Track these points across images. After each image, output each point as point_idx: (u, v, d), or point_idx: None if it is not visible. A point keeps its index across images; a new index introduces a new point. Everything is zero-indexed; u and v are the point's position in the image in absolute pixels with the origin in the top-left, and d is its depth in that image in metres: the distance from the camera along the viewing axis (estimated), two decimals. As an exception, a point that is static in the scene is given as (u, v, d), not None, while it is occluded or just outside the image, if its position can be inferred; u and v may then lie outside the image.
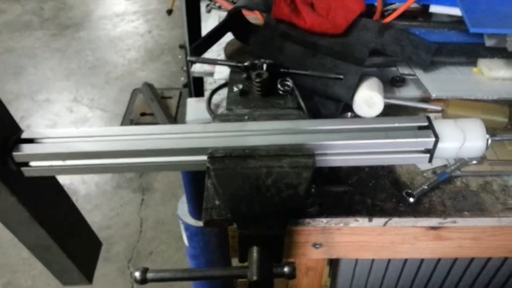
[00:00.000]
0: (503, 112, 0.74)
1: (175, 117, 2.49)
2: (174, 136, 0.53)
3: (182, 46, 3.02)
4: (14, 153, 0.53)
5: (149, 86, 2.62)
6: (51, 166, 0.55)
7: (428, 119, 0.53)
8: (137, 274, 0.52)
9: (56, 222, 0.63)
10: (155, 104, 2.48)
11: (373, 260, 0.99)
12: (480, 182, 0.74)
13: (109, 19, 3.69)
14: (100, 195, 2.10)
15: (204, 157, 0.52)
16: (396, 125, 0.53)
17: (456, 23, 0.91)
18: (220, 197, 0.52)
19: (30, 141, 0.55)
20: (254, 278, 0.50)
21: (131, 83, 2.84)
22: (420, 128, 0.53)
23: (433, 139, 0.51)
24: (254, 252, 0.52)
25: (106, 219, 1.99)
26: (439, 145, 0.52)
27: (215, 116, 0.59)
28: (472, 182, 0.74)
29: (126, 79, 2.93)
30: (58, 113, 2.62)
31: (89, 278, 0.72)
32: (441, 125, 0.53)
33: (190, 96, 1.74)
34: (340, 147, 0.52)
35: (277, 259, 0.55)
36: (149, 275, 0.52)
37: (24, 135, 0.55)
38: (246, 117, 0.58)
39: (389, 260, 0.99)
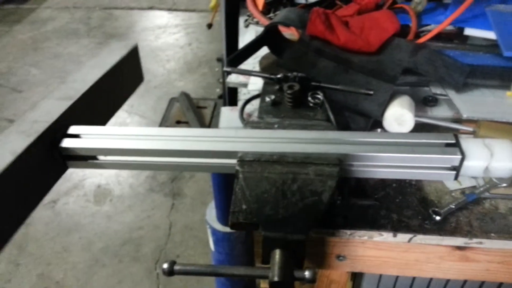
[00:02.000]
0: (536, 136, 0.73)
1: (209, 126, 2.55)
2: (208, 139, 0.56)
3: (219, 59, 3.10)
4: (61, 146, 0.58)
5: (185, 95, 2.70)
6: (93, 160, 0.59)
7: (456, 136, 0.54)
8: (165, 265, 0.56)
9: None
10: (190, 113, 2.55)
11: (397, 277, 0.99)
12: (510, 205, 0.73)
13: (152, 31, 3.84)
14: (133, 197, 2.17)
15: (234, 161, 0.55)
16: (423, 141, 0.54)
17: (492, 46, 0.90)
18: (246, 199, 0.54)
19: (76, 136, 0.59)
20: (275, 279, 0.52)
21: (169, 92, 2.93)
22: (447, 145, 0.54)
23: (459, 156, 0.52)
24: (277, 254, 0.54)
25: (138, 220, 2.05)
26: (465, 163, 0.52)
27: (247, 123, 0.62)
28: (501, 204, 0.73)
29: (165, 88, 3.03)
30: (99, 117, 2.74)
31: None
32: (468, 144, 0.53)
33: (225, 105, 1.79)
34: (366, 159, 0.54)
35: (299, 264, 0.57)
36: (176, 267, 0.55)
37: (70, 131, 0.60)
38: (276, 126, 0.61)
39: (413, 279, 0.98)
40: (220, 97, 2.83)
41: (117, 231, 2.00)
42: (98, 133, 0.59)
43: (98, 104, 0.71)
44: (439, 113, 0.85)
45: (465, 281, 0.96)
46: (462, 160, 0.52)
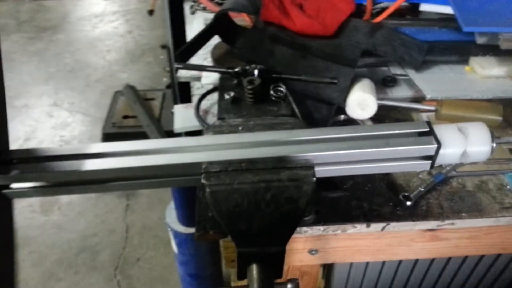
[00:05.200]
0: (497, 110, 0.73)
1: (158, 118, 2.44)
2: (167, 151, 0.50)
3: (163, 46, 2.97)
4: (-5, 175, 0.49)
5: (131, 88, 2.56)
6: (34, 187, 0.51)
7: (429, 124, 0.52)
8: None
9: None
10: (138, 107, 2.42)
11: (368, 262, 0.98)
12: (476, 182, 0.73)
13: (88, 20, 3.61)
14: (84, 202, 2.04)
15: (198, 172, 0.50)
16: (396, 131, 0.51)
17: (446, 20, 0.90)
18: (217, 214, 0.49)
19: (11, 161, 0.51)
20: (255, 297, 0.48)
21: (112, 86, 2.77)
22: (421, 134, 0.51)
23: (435, 145, 0.50)
24: (254, 270, 0.50)
25: (91, 227, 1.94)
26: (441, 151, 0.50)
27: (208, 128, 0.56)
28: (468, 182, 0.73)
29: (107, 82, 2.87)
30: (38, 118, 2.54)
31: None
32: (442, 130, 0.51)
33: (175, 101, 1.70)
34: (340, 157, 0.50)
35: (277, 275, 0.53)
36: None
37: (5, 156, 0.52)
38: (240, 128, 0.56)
39: (383, 262, 0.98)
40: (168, 86, 2.71)
41: (70, 240, 1.88)
42: (37, 155, 0.51)
43: None
44: (399, 94, 0.83)
45: (433, 259, 0.98)
46: (438, 149, 0.50)
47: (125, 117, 2.47)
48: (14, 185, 0.51)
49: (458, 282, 1.03)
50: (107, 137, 2.40)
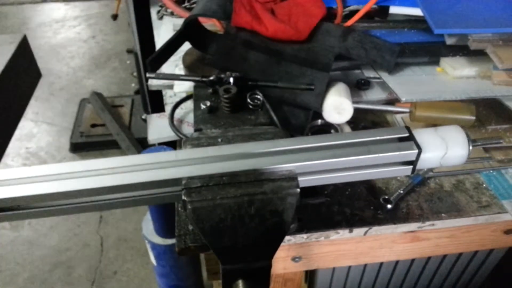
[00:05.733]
0: (470, 110, 0.75)
1: (129, 126, 2.38)
2: (144, 167, 0.48)
3: (130, 51, 2.90)
4: (-44, 201, 0.46)
5: (98, 95, 2.50)
6: (2, 212, 0.48)
7: (408, 129, 0.52)
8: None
9: None
10: (106, 114, 2.36)
11: (350, 266, 0.99)
12: (453, 181, 0.74)
13: (49, 26, 3.49)
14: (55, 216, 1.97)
15: (178, 188, 0.48)
16: (377, 138, 0.51)
17: (414, 21, 0.91)
18: (199, 231, 0.47)
19: (-26, 185, 0.48)
20: (243, 314, 0.46)
21: (78, 93, 2.69)
22: (401, 139, 0.51)
23: (416, 150, 0.50)
24: (240, 286, 0.48)
25: (64, 241, 1.87)
26: (422, 155, 0.50)
27: (186, 141, 0.54)
28: (446, 182, 0.74)
29: (72, 89, 2.77)
30: (0, 130, 2.43)
31: None
32: (422, 135, 0.51)
33: (146, 109, 1.66)
34: (323, 166, 0.49)
35: (264, 288, 0.52)
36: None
37: (-34, 179, 0.48)
38: (219, 140, 0.54)
39: (365, 265, 0.98)
40: (136, 92, 2.65)
41: (43, 256, 1.80)
42: (5, 178, 0.48)
43: None
44: (373, 96, 0.84)
45: (413, 259, 0.99)
46: (419, 154, 0.50)
47: (93, 125, 2.41)
48: (-21, 212, 0.47)
49: (438, 279, 1.05)
50: (76, 147, 2.33)
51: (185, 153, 0.50)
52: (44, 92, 2.73)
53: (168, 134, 0.79)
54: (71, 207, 0.48)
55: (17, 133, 2.41)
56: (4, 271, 1.76)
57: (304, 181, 0.50)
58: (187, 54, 0.91)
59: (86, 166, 0.48)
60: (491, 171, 0.74)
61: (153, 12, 1.18)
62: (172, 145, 0.81)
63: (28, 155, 2.29)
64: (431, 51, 0.84)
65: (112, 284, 1.71)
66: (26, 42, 0.69)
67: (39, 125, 2.48)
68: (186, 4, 1.09)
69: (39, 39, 3.31)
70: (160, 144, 0.87)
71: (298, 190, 0.47)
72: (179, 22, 1.01)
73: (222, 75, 0.65)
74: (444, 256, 0.98)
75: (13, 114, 0.67)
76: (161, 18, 1.14)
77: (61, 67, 3.00)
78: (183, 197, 0.46)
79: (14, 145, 2.33)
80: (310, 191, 0.72)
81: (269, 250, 0.48)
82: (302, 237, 0.68)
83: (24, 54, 0.69)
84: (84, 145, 2.31)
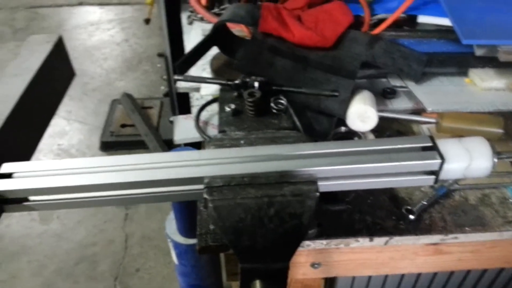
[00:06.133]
0: (498, 122, 0.73)
1: (157, 127, 2.43)
2: (168, 165, 0.50)
3: (160, 55, 2.96)
4: (-7, 190, 0.49)
5: (128, 96, 2.56)
6: (33, 202, 0.51)
7: (432, 139, 0.51)
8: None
9: None
10: (135, 115, 2.42)
11: (370, 275, 0.98)
12: (479, 195, 0.73)
13: (84, 28, 3.61)
14: (82, 211, 2.02)
15: (200, 186, 0.49)
16: (399, 146, 0.51)
17: (444, 32, 0.90)
18: (219, 228, 0.48)
19: (9, 176, 0.51)
20: (259, 314, 0.47)
21: (110, 94, 2.76)
22: (424, 149, 0.51)
23: (439, 160, 0.49)
24: (258, 286, 0.49)
25: (90, 236, 1.92)
26: (445, 166, 0.50)
27: (209, 141, 0.56)
28: (471, 195, 0.73)
29: (105, 90, 2.86)
30: (35, 127, 2.53)
31: None
32: (445, 145, 0.51)
33: (174, 111, 1.70)
34: (343, 171, 0.50)
35: (281, 290, 0.53)
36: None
37: (3, 170, 0.51)
38: (242, 141, 0.55)
39: (386, 276, 0.97)
40: (166, 95, 2.70)
41: (69, 250, 1.86)
42: (37, 169, 0.50)
43: (30, 117, 0.61)
44: (399, 105, 0.83)
45: (436, 272, 0.97)
46: (442, 164, 0.50)
47: (123, 125, 2.47)
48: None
49: (460, 295, 1.02)
50: (106, 145, 2.40)
51: (208, 153, 0.51)
52: (77, 92, 2.82)
53: (194, 135, 0.80)
54: (99, 199, 0.50)
55: (50, 130, 2.50)
56: (32, 262, 1.82)
57: (325, 186, 0.51)
58: (214, 58, 0.93)
59: (114, 161, 0.50)
60: (519, 186, 0.72)
61: (184, 17, 1.21)
62: (197, 146, 0.83)
63: (59, 152, 2.37)
64: (460, 62, 0.83)
65: (135, 281, 1.75)
66: (62, 42, 0.72)
67: (72, 123, 2.57)
68: (216, 9, 1.12)
69: (74, 40, 3.43)
70: (185, 145, 0.89)
71: (318, 194, 0.48)
72: (208, 27, 1.03)
73: (247, 79, 0.67)
74: (468, 272, 0.95)
75: (46, 111, 0.70)
76: (191, 23, 1.17)
77: (94, 68, 3.09)
78: (205, 196, 0.47)
79: (47, 142, 2.42)
80: (331, 198, 0.72)
81: (287, 251, 0.49)
82: (321, 243, 0.68)
83: (59, 53, 0.72)
84: (114, 144, 2.37)
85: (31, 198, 0.51)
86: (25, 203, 0.51)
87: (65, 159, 0.52)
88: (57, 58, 0.69)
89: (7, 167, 0.51)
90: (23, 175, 0.50)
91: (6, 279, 1.77)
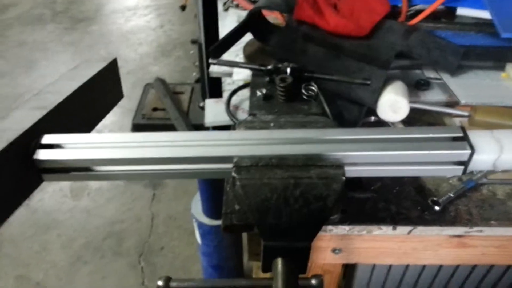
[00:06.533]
0: (533, 119, 0.72)
1: (187, 112, 2.47)
2: (199, 143, 0.52)
3: (194, 41, 3.00)
4: (35, 158, 0.52)
5: (161, 81, 2.61)
6: (72, 172, 0.54)
7: (463, 129, 0.51)
8: (160, 283, 0.52)
9: None
10: (167, 100, 2.46)
11: (391, 264, 0.98)
12: (507, 190, 0.72)
13: (121, 13, 3.69)
14: (112, 189, 2.10)
15: (229, 166, 0.51)
16: (430, 135, 0.51)
17: (483, 25, 0.88)
18: (245, 207, 0.50)
19: (51, 146, 0.54)
20: (280, 290, 0.49)
21: (143, 78, 2.83)
22: (455, 139, 0.51)
23: (468, 151, 0.49)
24: (279, 264, 0.51)
25: (118, 214, 1.99)
26: (474, 157, 0.50)
27: (240, 123, 0.57)
28: (499, 190, 0.72)
29: (138, 74, 2.92)
30: (71, 107, 2.62)
31: None
32: (476, 136, 0.51)
33: (204, 95, 1.72)
34: (371, 158, 0.50)
35: (302, 270, 0.54)
36: (172, 284, 0.51)
37: (44, 140, 0.54)
38: (271, 124, 0.56)
39: (407, 265, 0.97)
40: (197, 81, 2.74)
41: (98, 225, 1.94)
42: (77, 141, 0.53)
43: (74, 117, 0.65)
44: (432, 97, 0.82)
45: (458, 265, 0.96)
46: (471, 154, 0.49)
47: (155, 109, 2.52)
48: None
49: (483, 291, 1.01)
50: (137, 128, 2.46)
51: (238, 133, 0.53)
52: (112, 75, 2.90)
53: (224, 118, 0.82)
54: (134, 173, 0.53)
55: (86, 110, 2.59)
56: (62, 236, 1.91)
57: (352, 171, 0.51)
58: (248, 45, 0.94)
59: (150, 138, 0.53)
60: (551, 184, 0.71)
61: (220, 4, 1.23)
62: (227, 129, 0.85)
63: (93, 132, 2.45)
64: (497, 56, 0.81)
65: (159, 259, 1.81)
66: (116, 63, 0.77)
67: (106, 105, 2.64)
68: (251, -4, 1.13)
69: (111, 25, 3.51)
70: (214, 128, 0.91)
71: (344, 178, 0.49)
72: (243, 14, 1.05)
73: (280, 65, 0.68)
74: (491, 267, 0.94)
75: (92, 114, 0.74)
76: (226, 9, 1.18)
77: (129, 52, 3.17)
78: (233, 174, 0.49)
79: (82, 122, 2.50)
80: (356, 185, 0.73)
81: (310, 231, 0.50)
82: (344, 229, 0.69)
83: (112, 71, 0.76)
84: (145, 127, 2.43)
85: (69, 168, 0.54)
86: (63, 174, 0.54)
87: (103, 133, 0.54)
88: (109, 75, 0.74)
89: (48, 138, 0.54)
90: (64, 147, 0.53)
91: (38, 251, 1.86)
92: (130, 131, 2.44)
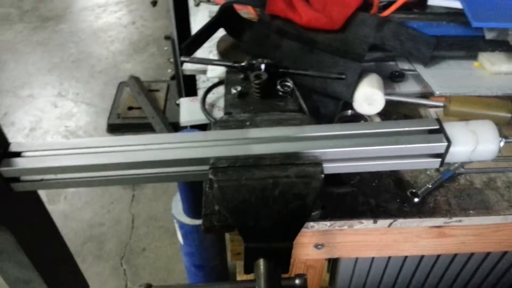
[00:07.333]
0: (506, 107, 0.73)
1: (164, 110, 2.44)
2: (174, 145, 0.50)
3: (167, 37, 2.95)
4: (2, 169, 0.49)
5: (135, 79, 2.56)
6: (43, 180, 0.52)
7: (439, 122, 0.51)
8: (139, 291, 0.50)
9: (41, 252, 0.59)
10: (142, 98, 2.43)
11: (373, 257, 0.98)
12: (484, 179, 0.73)
13: (91, 10, 3.59)
14: (90, 192, 2.05)
15: (206, 167, 0.50)
16: (406, 129, 0.51)
17: (454, 14, 0.88)
18: (224, 210, 0.49)
19: (19, 154, 0.51)
20: (263, 292, 0.48)
21: (117, 76, 2.77)
22: (431, 131, 0.51)
23: (445, 143, 0.49)
24: (261, 265, 0.50)
25: (97, 216, 1.95)
26: (451, 149, 0.50)
27: (215, 122, 0.56)
28: (476, 179, 0.73)
29: (111, 72, 2.86)
30: (43, 108, 2.55)
31: None
32: (452, 128, 0.51)
33: (180, 93, 1.70)
34: (349, 154, 0.50)
35: (284, 270, 0.53)
36: (152, 292, 0.50)
37: (12, 148, 0.52)
38: (247, 123, 0.55)
39: (389, 257, 0.98)
40: (172, 78, 2.70)
41: (77, 229, 1.89)
42: (46, 148, 0.51)
43: None
44: (406, 89, 0.83)
45: (439, 255, 0.98)
46: (448, 147, 0.50)
47: (130, 108, 2.48)
48: (23, 178, 0.51)
49: (463, 279, 1.03)
50: (113, 128, 2.41)
51: (213, 134, 0.52)
52: (84, 74, 2.82)
53: (200, 117, 0.81)
54: (108, 179, 0.51)
55: (57, 111, 2.52)
56: (41, 242, 1.85)
57: (330, 167, 0.51)
58: (221, 40, 0.93)
59: (123, 142, 0.51)
60: (525, 171, 0.72)
61: (191, -1, 1.20)
62: (203, 128, 0.83)
63: (66, 133, 2.39)
64: (469, 46, 0.82)
65: (140, 260, 1.78)
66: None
67: (79, 105, 2.58)
68: (223, -9, 1.11)
69: (81, 22, 3.41)
70: (191, 127, 0.89)
71: (323, 175, 0.48)
72: (215, 9, 1.02)
73: (254, 61, 0.66)
74: (471, 255, 0.96)
75: None
76: (198, 4, 1.16)
77: (101, 50, 3.09)
78: (210, 176, 0.48)
79: (55, 123, 2.44)
80: (335, 180, 0.72)
81: (291, 231, 0.49)
82: (325, 225, 0.68)
83: None
84: (121, 126, 2.38)
85: (39, 177, 0.51)
86: (34, 182, 0.51)
87: (73, 139, 0.52)
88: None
89: (16, 146, 0.52)
90: (32, 154, 0.51)
91: None
92: (106, 132, 2.39)
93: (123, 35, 3.27)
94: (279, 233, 0.49)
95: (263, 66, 0.66)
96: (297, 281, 0.49)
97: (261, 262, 0.50)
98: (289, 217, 0.48)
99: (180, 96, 1.92)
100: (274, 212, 0.48)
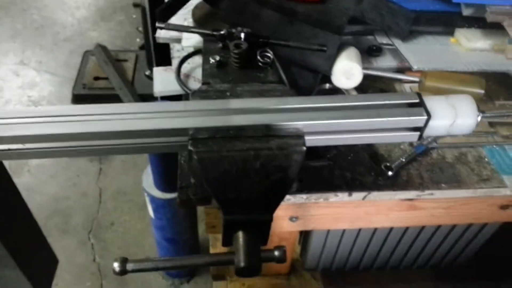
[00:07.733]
0: (480, 83, 0.74)
1: (132, 81, 2.36)
2: (152, 115, 0.48)
3: (136, 5, 2.83)
4: (-36, 136, 0.46)
5: (102, 48, 2.45)
6: (9, 149, 0.48)
7: (419, 95, 0.51)
8: (116, 264, 0.49)
9: (8, 226, 0.56)
10: (109, 68, 2.33)
11: (344, 229, 1.01)
12: (456, 153, 0.75)
13: (54, -26, 3.39)
14: (55, 165, 1.98)
15: (185, 138, 0.48)
16: (387, 102, 0.51)
17: (433, -10, 0.88)
18: (203, 181, 0.48)
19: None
20: (242, 264, 0.48)
21: (82, 45, 2.64)
22: (411, 105, 0.51)
23: (425, 117, 0.49)
24: (240, 237, 0.50)
25: (63, 190, 1.89)
26: (430, 122, 0.50)
27: (194, 92, 0.54)
28: (448, 153, 0.75)
29: (77, 40, 2.73)
30: (4, 77, 2.41)
31: None
32: (432, 102, 0.51)
33: (150, 63, 1.63)
34: (331, 127, 0.49)
35: (263, 241, 0.53)
36: (129, 265, 0.48)
37: (-26, 116, 0.48)
38: (228, 93, 0.54)
39: (359, 230, 1.00)
40: (141, 47, 2.60)
41: (41, 203, 1.83)
42: (13, 116, 0.48)
43: None
44: (384, 63, 0.83)
45: (407, 227, 1.01)
46: (427, 120, 0.50)
47: (96, 78, 2.38)
48: (-14, 148, 0.47)
49: (429, 249, 1.07)
50: (78, 98, 2.32)
51: (193, 104, 0.50)
52: (48, 42, 2.68)
53: (174, 87, 0.78)
54: (78, 149, 0.48)
55: (20, 81, 2.40)
56: (4, 216, 1.79)
57: (311, 140, 0.50)
58: (197, 7, 0.89)
59: (94, 110, 0.48)
60: (495, 146, 0.74)
61: (164, -38, 1.14)
62: (178, 99, 0.81)
63: (29, 103, 2.28)
64: (447, 21, 0.83)
65: (109, 235, 1.75)
66: None
67: (42, 75, 2.46)
68: (199, -45, 1.06)
69: (43, -14, 3.22)
70: (163, 98, 0.86)
71: (304, 148, 0.47)
72: (191, -26, 0.98)
73: (233, 30, 0.64)
74: (438, 227, 1.00)
75: None
76: (171, -31, 1.11)
77: (66, 17, 2.93)
78: (190, 147, 0.46)
79: (16, 93, 2.32)
80: (312, 154, 0.72)
81: (271, 204, 0.49)
82: (301, 197, 0.69)
83: None
84: (86, 97, 2.29)
85: (6, 146, 0.48)
86: (0, 152, 0.48)
87: (41, 107, 0.49)
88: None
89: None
90: (3, 122, 0.48)
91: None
92: (70, 102, 2.30)
93: (89, 1, 3.12)
94: (260, 205, 0.48)
95: (242, 35, 0.63)
96: (276, 253, 0.49)
97: (240, 234, 0.50)
98: (270, 189, 0.47)
99: (151, 66, 1.86)
100: (255, 184, 0.47)
